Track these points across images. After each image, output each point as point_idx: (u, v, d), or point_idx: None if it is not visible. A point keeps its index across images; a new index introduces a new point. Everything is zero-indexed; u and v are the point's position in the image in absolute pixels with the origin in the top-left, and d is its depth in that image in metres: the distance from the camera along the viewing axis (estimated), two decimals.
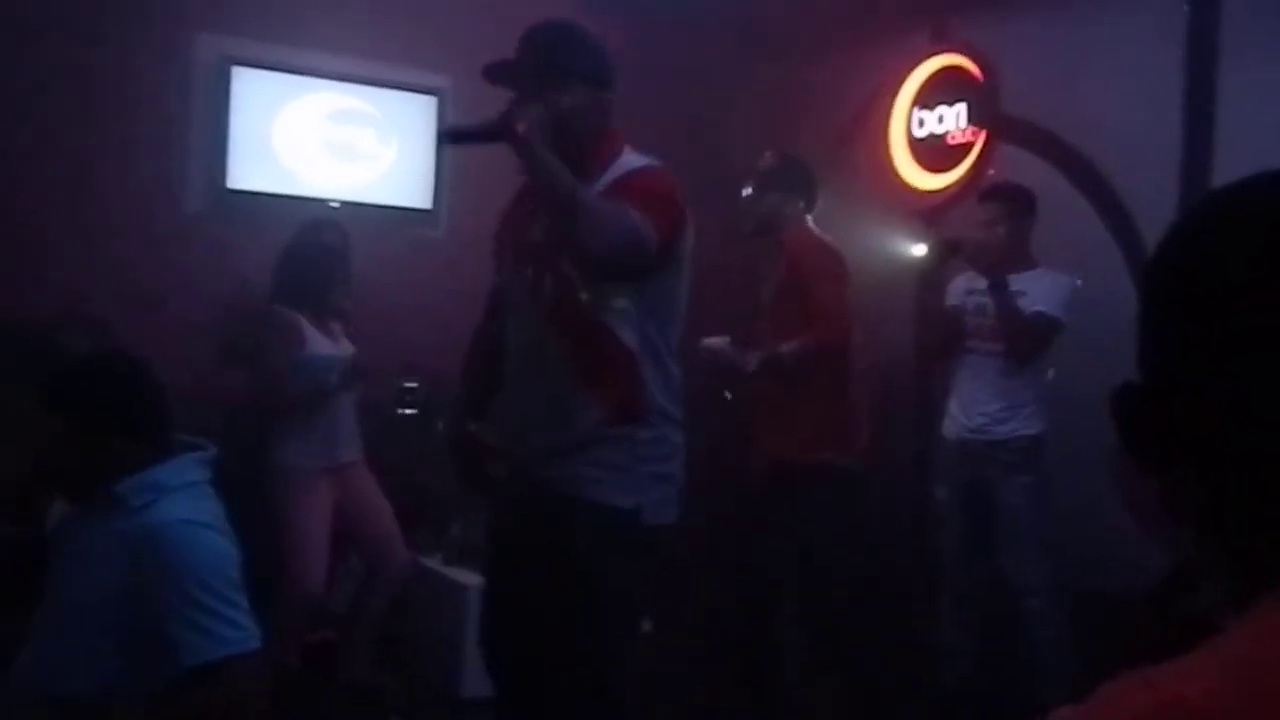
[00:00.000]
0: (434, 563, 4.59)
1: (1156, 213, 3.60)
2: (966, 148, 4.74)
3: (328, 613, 4.27)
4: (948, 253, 4.15)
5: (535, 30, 2.57)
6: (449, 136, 2.65)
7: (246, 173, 4.90)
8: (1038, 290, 3.90)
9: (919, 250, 4.55)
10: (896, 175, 5.07)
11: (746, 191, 4.10)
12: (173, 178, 4.82)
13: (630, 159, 2.56)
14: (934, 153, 4.91)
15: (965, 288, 4.14)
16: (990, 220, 4.01)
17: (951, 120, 4.85)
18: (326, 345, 4.15)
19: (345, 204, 5.03)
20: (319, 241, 4.36)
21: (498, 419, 2.69)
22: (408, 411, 4.82)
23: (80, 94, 4.56)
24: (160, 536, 2.02)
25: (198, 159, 4.87)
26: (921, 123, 4.99)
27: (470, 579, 4.35)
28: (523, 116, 2.33)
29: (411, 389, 4.82)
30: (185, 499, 2.11)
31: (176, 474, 2.15)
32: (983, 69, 4.68)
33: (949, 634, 4.16)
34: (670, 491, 2.55)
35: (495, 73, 2.56)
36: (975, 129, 4.73)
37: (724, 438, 4.23)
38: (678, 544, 2.65)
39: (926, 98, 4.97)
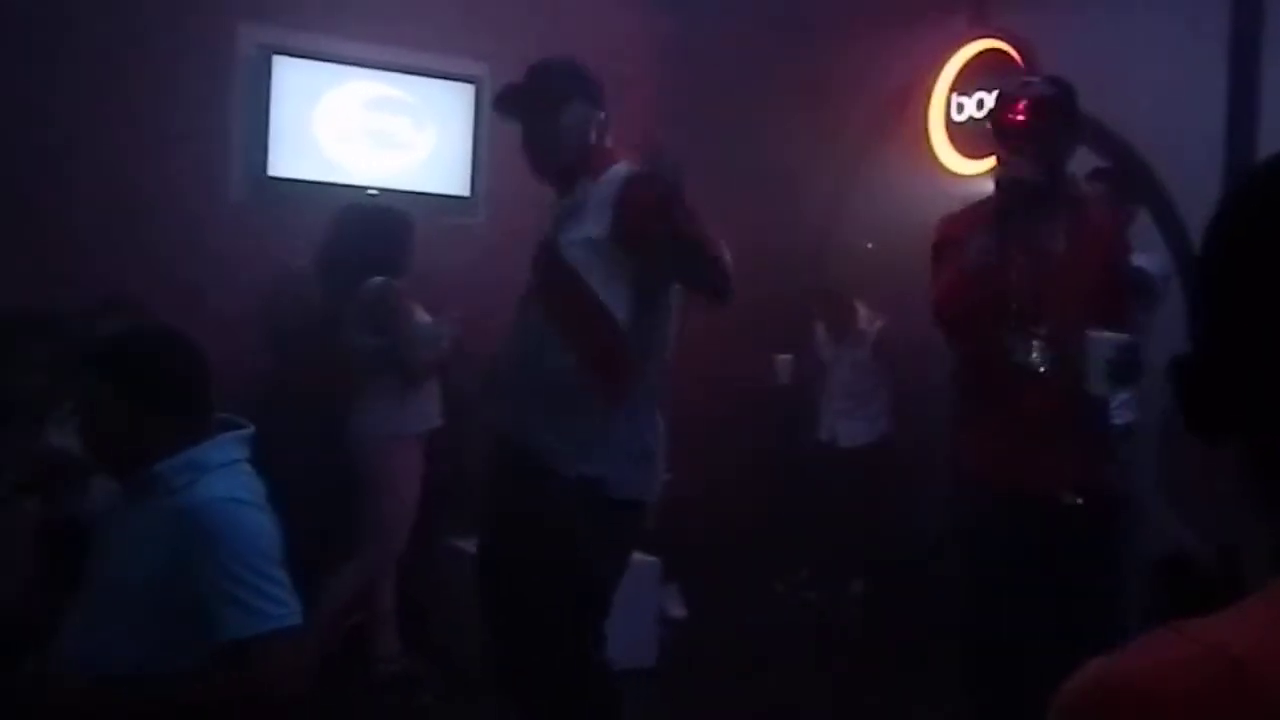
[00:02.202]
0: (468, 544, 4.63)
1: (1199, 201, 3.57)
2: None
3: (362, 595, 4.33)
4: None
5: (539, 63, 2.96)
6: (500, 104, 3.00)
7: (287, 161, 4.98)
8: None
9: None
10: (935, 160, 5.07)
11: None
12: (214, 166, 4.90)
13: (622, 168, 2.79)
14: (973, 138, 4.90)
15: None
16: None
17: (990, 105, 4.84)
18: (424, 314, 4.27)
19: (383, 191, 5.08)
20: (397, 214, 4.43)
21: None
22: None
23: (121, 85, 4.64)
24: (201, 514, 2.05)
25: (239, 147, 4.95)
26: (960, 108, 4.99)
27: None
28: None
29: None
30: (225, 477, 2.14)
31: (216, 453, 2.17)
32: (1022, 54, 4.67)
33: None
34: (644, 468, 2.74)
35: (506, 101, 2.96)
36: None
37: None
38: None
39: (965, 83, 4.97)
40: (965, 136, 4.96)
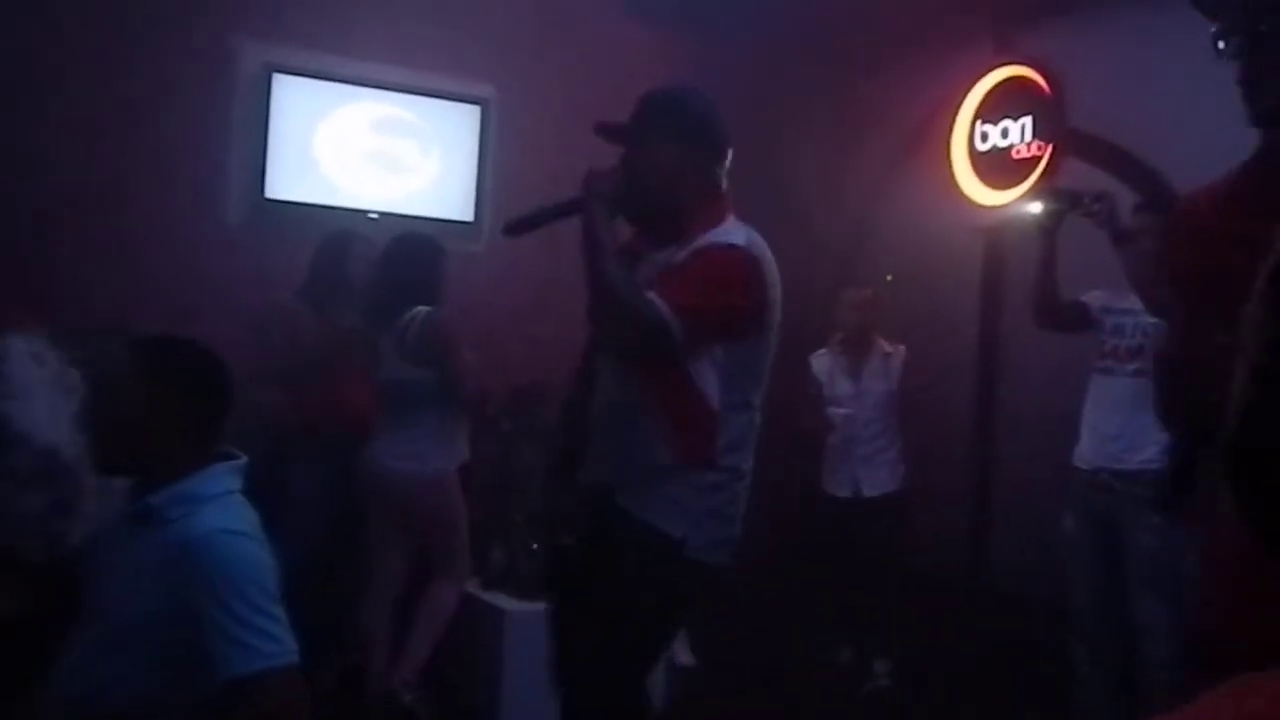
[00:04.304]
0: (473, 587, 4.65)
1: None
2: (1032, 162, 4.75)
3: (363, 630, 4.33)
4: (1065, 205, 3.88)
5: (645, 94, 2.76)
6: (513, 227, 2.74)
7: (286, 183, 5.02)
8: None
9: (1034, 206, 4.21)
10: (958, 190, 5.09)
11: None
12: (212, 187, 4.95)
13: (720, 232, 2.65)
14: (998, 167, 4.92)
15: (1101, 304, 3.94)
16: (1142, 230, 3.73)
17: (1016, 134, 4.87)
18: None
19: (384, 215, 5.12)
20: (435, 242, 4.46)
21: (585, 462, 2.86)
22: None
23: (118, 102, 4.69)
24: (197, 547, 2.06)
25: (237, 168, 5.00)
26: (985, 136, 5.01)
27: (509, 604, 4.41)
28: (596, 186, 2.58)
29: None
30: (220, 509, 2.16)
31: (211, 484, 2.19)
32: (1049, 81, 4.70)
33: (1087, 692, 3.80)
34: (724, 532, 2.71)
35: (606, 132, 2.74)
36: (1042, 143, 4.74)
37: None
38: None
39: (990, 111, 4.99)
40: (989, 166, 4.98)
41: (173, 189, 4.78)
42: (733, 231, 2.66)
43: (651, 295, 2.50)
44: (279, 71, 5.00)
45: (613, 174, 2.63)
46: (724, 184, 2.74)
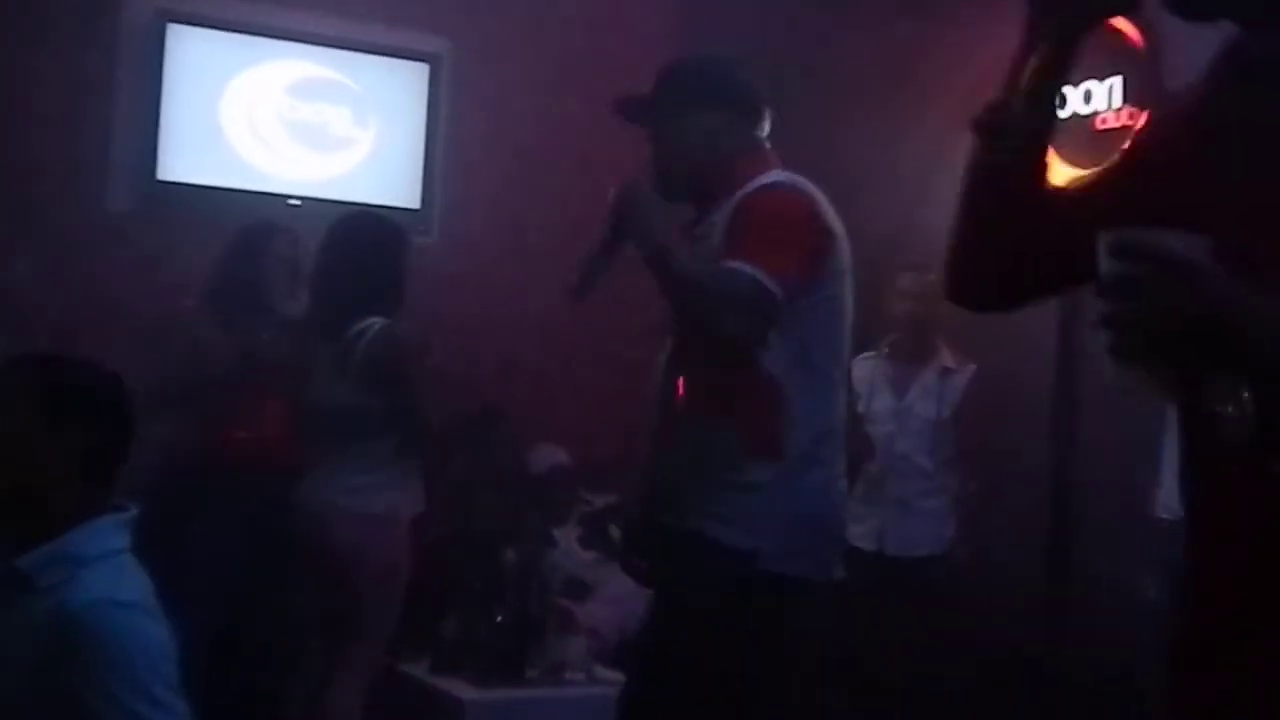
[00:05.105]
0: (419, 670, 4.62)
1: None
2: (1121, 133, 4.77)
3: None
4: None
5: (668, 64, 3.13)
6: (580, 291, 3.00)
7: (184, 161, 5.02)
8: None
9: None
10: None
11: None
12: (91, 167, 4.93)
13: (762, 179, 2.92)
14: (1077, 138, 4.93)
15: None
16: None
17: (1102, 98, 4.88)
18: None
19: (309, 201, 5.12)
20: (396, 229, 4.42)
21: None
22: None
23: None
24: (77, 623, 2.04)
25: (123, 143, 4.99)
26: (1063, 101, 5.03)
27: (466, 692, 4.37)
28: (629, 193, 2.84)
29: None
30: (105, 573, 2.14)
31: (94, 542, 2.17)
32: (1144, 34, 4.71)
33: None
34: (810, 538, 2.82)
35: (628, 109, 3.08)
36: (1133, 109, 4.76)
37: None
38: None
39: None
40: (1067, 137, 4.99)
41: (41, 171, 4.77)
42: (769, 176, 2.92)
43: (729, 264, 2.72)
44: (174, 21, 5.00)
45: (645, 171, 2.97)
46: (766, 144, 3.04)
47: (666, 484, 2.90)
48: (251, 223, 4.65)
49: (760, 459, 2.79)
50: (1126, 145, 1.77)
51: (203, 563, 4.09)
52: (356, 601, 4.20)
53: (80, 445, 2.20)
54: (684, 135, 2.96)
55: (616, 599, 4.77)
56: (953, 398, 5.07)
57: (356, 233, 4.24)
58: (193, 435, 4.34)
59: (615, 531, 4.80)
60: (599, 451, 5.30)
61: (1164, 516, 3.89)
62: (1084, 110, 4.94)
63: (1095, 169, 1.79)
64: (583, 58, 5.46)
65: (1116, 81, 4.82)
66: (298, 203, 5.11)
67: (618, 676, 3.95)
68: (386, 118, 5.36)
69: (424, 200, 5.39)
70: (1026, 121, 1.67)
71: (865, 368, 5.12)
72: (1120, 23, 4.81)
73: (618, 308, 4.34)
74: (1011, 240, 1.68)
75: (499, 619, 4.51)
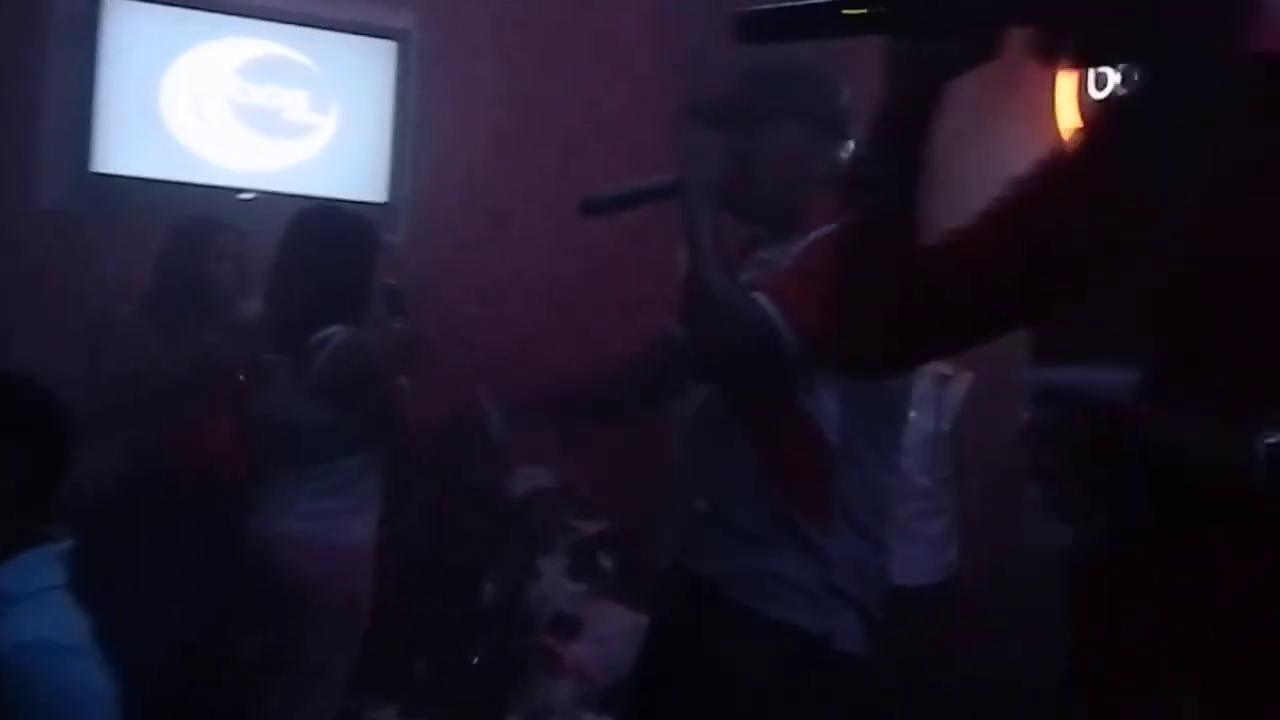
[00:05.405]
0: (385, 717, 4.62)
1: None
2: None
3: None
4: None
5: (751, 66, 2.95)
6: (593, 205, 2.94)
7: (123, 151, 5.01)
8: None
9: None
10: (1063, 148, 5.11)
11: None
12: (18, 158, 4.92)
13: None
14: None
15: None
16: None
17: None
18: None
19: (262, 195, 5.09)
20: (364, 224, 4.43)
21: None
22: None
23: None
24: (7, 667, 2.04)
25: (53, 131, 4.97)
26: (1102, 81, 5.03)
27: None
28: (699, 172, 2.83)
29: None
30: (35, 612, 2.14)
31: (23, 578, 2.17)
32: None
33: None
34: (857, 617, 2.78)
35: (701, 111, 3.01)
36: None
37: None
38: None
39: None
40: None
41: None
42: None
43: (757, 295, 2.67)
44: None
45: (721, 160, 2.87)
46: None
47: (708, 554, 2.84)
48: (191, 217, 4.63)
49: (803, 517, 2.76)
50: (1000, 198, 1.91)
51: (144, 598, 4.06)
52: (314, 639, 4.20)
53: (8, 474, 2.19)
54: (769, 150, 2.87)
55: (607, 637, 4.78)
56: (952, 407, 5.10)
57: (316, 229, 4.19)
58: (134, 452, 4.32)
59: (607, 561, 4.78)
60: (586, 472, 5.28)
61: None
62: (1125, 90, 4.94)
63: (964, 223, 1.90)
64: (566, 33, 5.44)
65: None
66: (250, 196, 5.08)
67: None
68: (349, 101, 5.36)
69: (392, 193, 5.40)
70: (894, 173, 1.76)
71: None
72: None
73: (606, 317, 4.34)
74: (894, 301, 1.73)
75: (475, 659, 4.50)
